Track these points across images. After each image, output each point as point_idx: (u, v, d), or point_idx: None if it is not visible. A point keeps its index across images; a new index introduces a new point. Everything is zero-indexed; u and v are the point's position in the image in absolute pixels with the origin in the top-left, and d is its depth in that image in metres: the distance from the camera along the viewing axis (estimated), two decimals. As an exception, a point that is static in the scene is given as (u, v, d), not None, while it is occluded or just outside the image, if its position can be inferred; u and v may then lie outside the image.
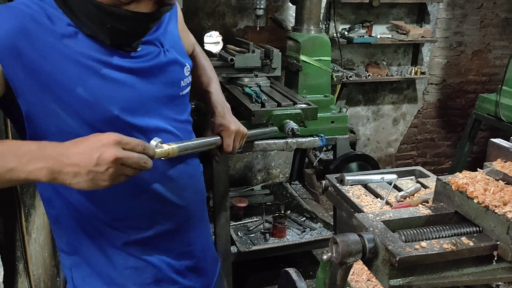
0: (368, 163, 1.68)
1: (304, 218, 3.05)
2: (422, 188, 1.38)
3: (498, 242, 0.86)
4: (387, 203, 1.30)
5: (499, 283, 0.92)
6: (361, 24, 3.72)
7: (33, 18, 0.94)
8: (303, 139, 2.53)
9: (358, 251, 0.87)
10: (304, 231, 2.89)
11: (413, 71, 3.91)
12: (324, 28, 3.62)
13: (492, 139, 1.07)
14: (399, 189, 1.38)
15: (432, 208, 1.00)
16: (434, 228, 0.92)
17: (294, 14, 3.04)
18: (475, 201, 0.91)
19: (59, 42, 0.96)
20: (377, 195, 1.36)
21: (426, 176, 1.49)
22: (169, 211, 1.16)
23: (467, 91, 4.33)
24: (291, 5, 3.16)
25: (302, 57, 2.78)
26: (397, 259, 0.82)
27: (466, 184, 0.96)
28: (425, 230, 0.91)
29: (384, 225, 0.92)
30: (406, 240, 0.89)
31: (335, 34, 3.51)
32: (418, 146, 4.35)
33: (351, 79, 3.54)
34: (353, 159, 1.65)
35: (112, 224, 1.11)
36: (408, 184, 1.43)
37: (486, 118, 3.45)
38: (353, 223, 1.24)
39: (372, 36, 3.70)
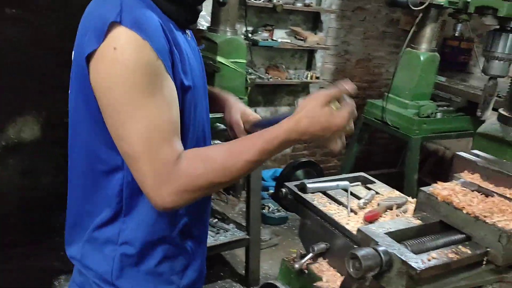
0: (314, 170, 1.74)
1: (216, 220, 3.03)
2: (376, 194, 1.48)
3: (488, 249, 0.97)
4: (351, 210, 1.37)
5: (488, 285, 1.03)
6: (264, 27, 3.82)
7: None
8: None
9: (377, 265, 0.90)
10: (218, 233, 2.88)
11: (309, 75, 4.15)
12: (230, 29, 3.63)
13: (458, 152, 1.20)
14: (356, 196, 1.46)
15: (419, 217, 1.08)
16: (430, 237, 1.00)
17: (205, 14, 3.00)
18: (464, 211, 1.01)
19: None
20: (339, 203, 1.42)
21: (371, 182, 1.60)
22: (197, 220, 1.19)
23: (351, 96, 4.73)
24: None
25: (219, 58, 2.75)
26: (418, 271, 0.87)
27: (449, 195, 1.06)
28: (424, 240, 0.99)
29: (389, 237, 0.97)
30: (413, 251, 0.95)
31: (242, 36, 3.54)
32: (310, 146, 4.63)
33: (255, 82, 3.62)
34: (300, 166, 1.70)
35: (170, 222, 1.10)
36: (361, 190, 1.51)
37: (373, 122, 3.81)
38: (337, 234, 1.28)
39: (274, 40, 3.82)
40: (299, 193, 1.44)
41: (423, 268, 0.87)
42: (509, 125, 1.42)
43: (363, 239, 0.99)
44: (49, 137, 2.98)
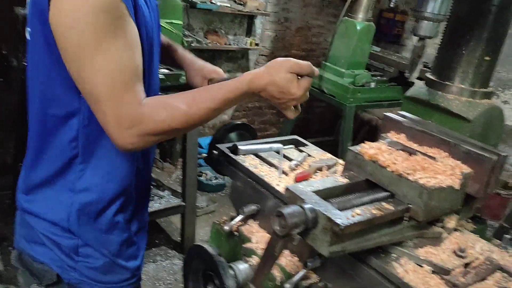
0: (248, 133, 1.71)
1: (151, 187, 2.95)
2: (308, 156, 1.48)
3: (410, 205, 0.99)
4: (283, 172, 1.36)
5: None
6: (201, -11, 3.68)
7: None
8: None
9: (303, 222, 0.89)
10: (152, 200, 2.81)
11: (248, 42, 4.08)
12: (166, -12, 3.46)
13: (386, 113, 1.21)
14: (288, 158, 1.45)
15: (346, 176, 1.09)
16: (356, 195, 1.01)
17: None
18: (388, 169, 1.03)
19: None
20: (271, 164, 1.40)
21: (303, 144, 1.60)
22: (145, 170, 1.23)
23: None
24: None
25: (153, 18, 2.62)
26: (342, 227, 0.87)
27: (375, 154, 1.07)
28: (350, 197, 1.00)
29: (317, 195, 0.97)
30: (339, 208, 0.95)
31: (179, -3, 3.39)
32: (249, 114, 4.61)
33: (192, 45, 3.51)
34: (234, 128, 1.66)
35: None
36: (293, 153, 1.51)
37: (311, 90, 3.82)
38: (258, 193, 1.27)
39: (213, 3, 3.70)
40: (231, 154, 1.42)
41: (347, 224, 0.88)
42: (435, 88, 1.46)
43: (290, 197, 0.98)
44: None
